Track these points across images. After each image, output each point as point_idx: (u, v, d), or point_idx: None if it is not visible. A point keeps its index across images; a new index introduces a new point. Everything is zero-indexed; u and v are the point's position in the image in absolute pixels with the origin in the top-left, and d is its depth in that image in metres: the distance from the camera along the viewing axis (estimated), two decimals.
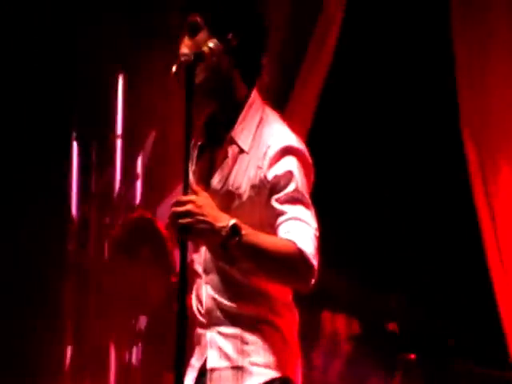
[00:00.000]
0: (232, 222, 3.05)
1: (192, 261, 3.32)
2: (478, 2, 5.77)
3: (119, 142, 6.30)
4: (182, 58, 3.17)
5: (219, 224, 3.08)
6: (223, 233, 3.05)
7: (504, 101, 5.33)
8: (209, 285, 3.32)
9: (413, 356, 4.73)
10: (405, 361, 4.74)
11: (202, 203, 3.16)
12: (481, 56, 5.70)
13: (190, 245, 3.17)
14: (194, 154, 3.39)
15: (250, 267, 3.23)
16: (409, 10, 5.68)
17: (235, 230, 3.06)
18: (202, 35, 3.29)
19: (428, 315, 4.99)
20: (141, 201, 6.27)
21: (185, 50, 3.19)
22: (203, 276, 3.30)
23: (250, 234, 3.11)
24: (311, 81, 5.49)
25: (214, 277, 3.30)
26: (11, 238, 6.14)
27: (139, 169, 6.32)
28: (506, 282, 5.23)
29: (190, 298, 3.39)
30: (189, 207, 3.12)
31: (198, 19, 3.27)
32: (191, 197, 3.14)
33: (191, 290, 3.39)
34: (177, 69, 3.19)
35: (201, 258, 3.27)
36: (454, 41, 5.68)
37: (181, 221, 3.09)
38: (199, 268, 3.27)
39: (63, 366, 6.39)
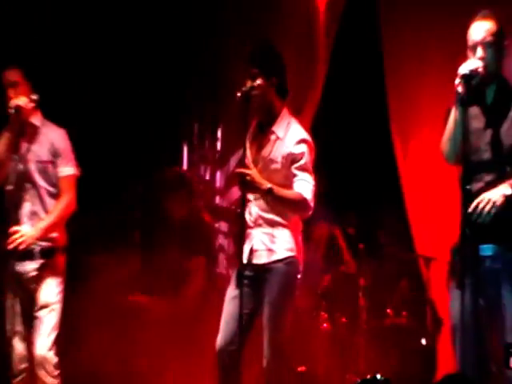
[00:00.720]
0: (269, 185, 5.16)
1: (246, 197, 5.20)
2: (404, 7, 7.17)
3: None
4: (243, 89, 5.15)
5: (263, 186, 5.18)
6: (264, 189, 5.15)
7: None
8: (256, 205, 5.28)
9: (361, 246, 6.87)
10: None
11: (253, 173, 5.20)
12: (406, 61, 7.22)
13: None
14: (250, 139, 5.38)
15: (279, 198, 5.24)
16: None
17: (270, 189, 5.16)
18: (259, 79, 5.25)
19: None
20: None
21: (245, 85, 5.18)
22: (253, 201, 5.27)
23: (277, 189, 5.18)
24: (310, 100, 7.56)
25: (259, 202, 5.28)
26: None
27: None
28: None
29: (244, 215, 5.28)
30: (247, 176, 5.17)
31: (256, 71, 5.29)
32: (249, 170, 5.19)
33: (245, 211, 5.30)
34: (241, 94, 5.20)
35: (253, 194, 5.27)
36: (383, 48, 7.27)
37: (243, 181, 5.15)
38: (251, 197, 5.21)
39: None
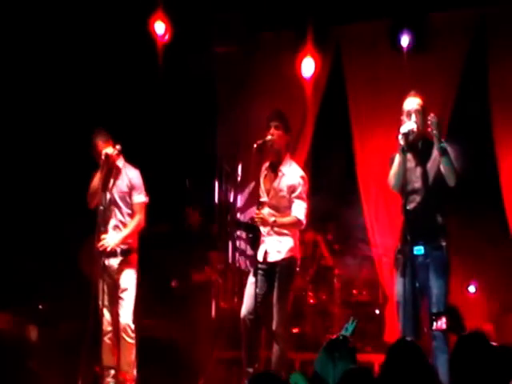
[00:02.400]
0: (272, 219, 5.55)
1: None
2: None
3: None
4: (259, 142, 5.51)
5: (269, 221, 5.56)
6: (270, 223, 5.59)
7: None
8: (268, 236, 5.67)
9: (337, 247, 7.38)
10: None
11: (263, 214, 5.56)
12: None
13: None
14: (264, 174, 5.69)
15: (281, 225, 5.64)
16: None
17: (274, 221, 5.57)
18: (279, 131, 5.58)
19: None
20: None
21: (264, 138, 5.59)
22: (266, 231, 5.65)
23: (279, 220, 5.56)
24: (301, 146, 7.73)
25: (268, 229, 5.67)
26: None
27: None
28: None
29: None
30: (259, 215, 5.54)
31: (279, 124, 5.59)
32: (259, 212, 5.54)
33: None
34: (257, 145, 5.54)
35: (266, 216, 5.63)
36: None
37: (256, 220, 5.59)
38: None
39: None
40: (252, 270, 5.66)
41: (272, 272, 5.58)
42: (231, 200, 7.96)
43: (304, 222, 5.63)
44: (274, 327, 5.54)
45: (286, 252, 5.62)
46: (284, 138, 5.60)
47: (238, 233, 7.73)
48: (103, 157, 5.96)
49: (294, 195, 5.58)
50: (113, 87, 7.08)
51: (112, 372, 5.92)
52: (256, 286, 5.42)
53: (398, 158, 4.95)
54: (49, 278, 6.69)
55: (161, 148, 7.28)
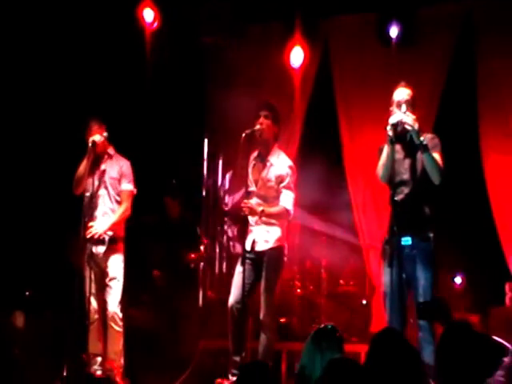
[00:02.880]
0: (260, 209, 5.52)
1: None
2: None
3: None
4: (247, 131, 5.48)
5: (257, 211, 5.50)
6: (259, 213, 5.53)
7: None
8: (256, 225, 5.65)
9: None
10: None
11: (250, 204, 5.52)
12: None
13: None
14: (253, 164, 5.67)
15: (269, 215, 5.60)
16: None
17: (261, 211, 5.52)
18: (268, 120, 5.58)
19: None
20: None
21: (257, 126, 5.58)
22: (254, 220, 5.63)
23: (266, 210, 5.52)
24: (291, 137, 7.66)
25: (256, 219, 5.63)
26: None
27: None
28: None
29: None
30: (247, 205, 5.49)
31: (269, 114, 5.56)
32: (247, 202, 5.50)
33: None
34: (246, 134, 5.50)
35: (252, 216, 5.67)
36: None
37: (244, 209, 5.51)
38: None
39: None
40: (239, 260, 5.64)
41: (259, 261, 5.61)
42: (219, 187, 7.89)
43: (292, 212, 5.64)
44: (261, 317, 5.54)
45: (274, 242, 5.64)
46: (273, 128, 5.60)
47: (227, 221, 7.66)
48: (90, 144, 5.96)
49: (282, 185, 5.59)
50: (100, 76, 7.00)
51: (99, 360, 5.95)
52: (244, 276, 5.39)
53: (386, 149, 4.94)
54: (35, 265, 6.67)
55: (148, 137, 7.21)
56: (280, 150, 5.79)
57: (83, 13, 6.86)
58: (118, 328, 5.93)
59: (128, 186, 6.11)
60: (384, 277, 4.96)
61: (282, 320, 7.02)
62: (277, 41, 7.49)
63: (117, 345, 5.91)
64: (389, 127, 4.86)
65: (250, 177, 5.66)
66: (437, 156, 4.98)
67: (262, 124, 5.55)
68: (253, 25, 7.72)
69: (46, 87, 6.95)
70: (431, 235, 4.97)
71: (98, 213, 6.02)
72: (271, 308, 5.53)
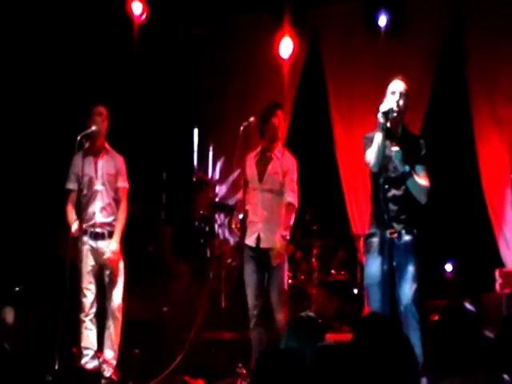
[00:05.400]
0: (284, 233, 5.52)
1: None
2: None
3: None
4: (245, 123, 5.51)
5: (285, 245, 5.52)
6: (286, 241, 5.55)
7: None
8: (264, 209, 5.61)
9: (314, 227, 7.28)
10: None
11: (277, 248, 5.56)
12: None
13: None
14: (256, 158, 5.69)
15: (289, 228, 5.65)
16: None
17: (286, 234, 5.55)
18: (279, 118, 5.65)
19: None
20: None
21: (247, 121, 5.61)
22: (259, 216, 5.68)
23: (286, 226, 5.52)
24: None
25: (265, 208, 5.62)
26: None
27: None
28: None
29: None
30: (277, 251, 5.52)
31: (280, 112, 5.67)
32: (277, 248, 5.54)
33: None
34: (243, 127, 5.53)
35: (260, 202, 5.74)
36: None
37: (277, 252, 5.55)
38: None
39: None
40: (245, 257, 5.67)
41: (265, 258, 5.61)
42: (209, 177, 7.85)
43: (297, 204, 5.72)
44: (275, 315, 5.55)
45: (280, 238, 5.57)
46: (282, 126, 5.75)
47: (217, 214, 7.60)
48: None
49: (287, 179, 5.66)
50: (88, 67, 6.92)
51: (90, 353, 5.85)
52: (257, 273, 5.49)
53: (377, 137, 4.80)
54: (25, 260, 6.60)
55: (137, 129, 7.18)
56: (282, 146, 5.84)
57: (73, 6, 6.74)
58: (120, 318, 5.86)
59: (125, 184, 6.07)
60: (369, 268, 4.90)
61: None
62: (266, 31, 7.46)
63: (118, 336, 5.87)
64: (380, 115, 4.76)
65: (255, 171, 5.68)
66: (423, 175, 4.95)
67: (279, 119, 5.58)
68: (241, 15, 7.69)
69: (33, 81, 6.78)
70: (415, 231, 4.94)
71: (95, 208, 5.96)
72: (285, 306, 5.58)
